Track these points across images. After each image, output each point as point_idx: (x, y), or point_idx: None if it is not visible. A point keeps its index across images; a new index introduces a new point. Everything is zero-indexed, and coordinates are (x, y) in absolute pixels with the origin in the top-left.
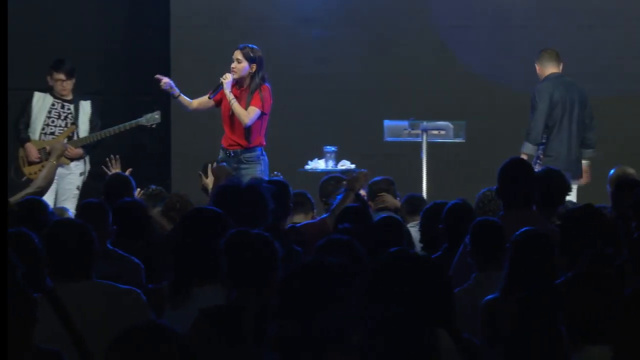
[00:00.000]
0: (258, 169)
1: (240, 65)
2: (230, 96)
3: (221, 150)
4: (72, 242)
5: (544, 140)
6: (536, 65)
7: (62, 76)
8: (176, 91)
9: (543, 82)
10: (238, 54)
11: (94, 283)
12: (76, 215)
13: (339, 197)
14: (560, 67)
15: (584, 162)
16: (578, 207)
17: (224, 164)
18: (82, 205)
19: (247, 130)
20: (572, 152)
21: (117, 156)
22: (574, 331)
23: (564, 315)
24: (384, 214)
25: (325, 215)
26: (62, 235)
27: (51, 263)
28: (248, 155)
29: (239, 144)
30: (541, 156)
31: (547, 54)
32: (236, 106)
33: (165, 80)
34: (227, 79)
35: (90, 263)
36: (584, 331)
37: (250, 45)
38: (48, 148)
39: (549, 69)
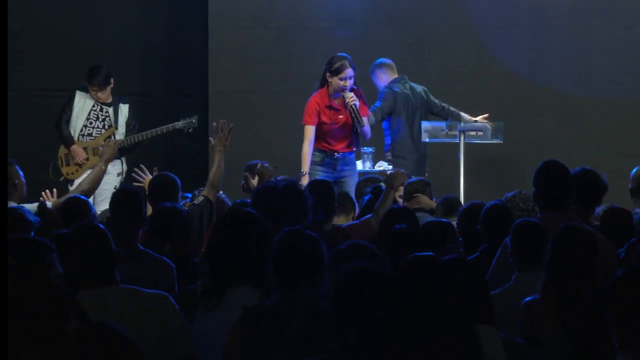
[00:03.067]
0: (356, 170)
1: (352, 81)
2: (359, 116)
3: (319, 154)
4: (91, 247)
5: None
6: (377, 75)
7: (94, 88)
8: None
9: (388, 85)
10: (351, 71)
11: (120, 288)
12: (110, 203)
13: (366, 197)
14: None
15: (480, 119)
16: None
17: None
18: (116, 192)
19: (353, 138)
20: (419, 151)
21: (142, 165)
22: (621, 331)
23: (611, 316)
24: (419, 215)
25: (369, 216)
26: (79, 241)
27: (73, 269)
28: (352, 157)
29: (346, 150)
30: (390, 157)
31: (386, 63)
32: (366, 126)
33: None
34: (355, 99)
35: (111, 268)
36: (631, 331)
37: (348, 56)
38: (100, 150)
39: (390, 75)
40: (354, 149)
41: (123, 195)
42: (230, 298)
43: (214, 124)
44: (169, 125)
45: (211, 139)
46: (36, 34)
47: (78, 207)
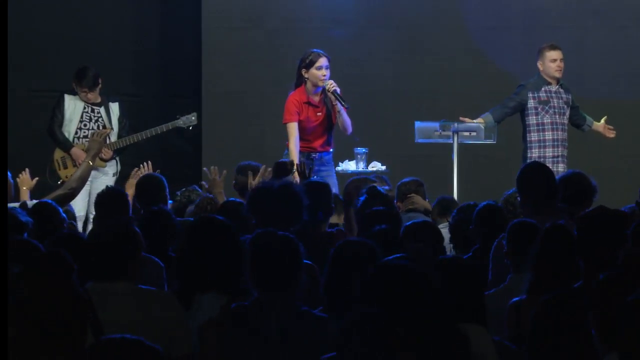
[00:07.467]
0: (333, 170)
1: (329, 72)
2: (342, 98)
3: (301, 155)
4: (115, 242)
5: None
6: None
7: (84, 89)
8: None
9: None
10: (325, 61)
11: (126, 284)
12: (96, 203)
13: (362, 198)
14: None
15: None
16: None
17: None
18: (100, 194)
19: (330, 137)
20: None
21: (149, 162)
22: (605, 334)
23: (594, 317)
24: (412, 215)
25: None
26: (103, 236)
27: (88, 260)
28: (328, 157)
29: (324, 149)
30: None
31: None
32: (346, 116)
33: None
34: (335, 85)
35: (123, 265)
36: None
37: (319, 50)
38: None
39: None
40: (331, 150)
41: (108, 196)
42: (199, 304)
43: (204, 169)
44: (169, 123)
45: (204, 183)
46: (29, 35)
47: (49, 213)
